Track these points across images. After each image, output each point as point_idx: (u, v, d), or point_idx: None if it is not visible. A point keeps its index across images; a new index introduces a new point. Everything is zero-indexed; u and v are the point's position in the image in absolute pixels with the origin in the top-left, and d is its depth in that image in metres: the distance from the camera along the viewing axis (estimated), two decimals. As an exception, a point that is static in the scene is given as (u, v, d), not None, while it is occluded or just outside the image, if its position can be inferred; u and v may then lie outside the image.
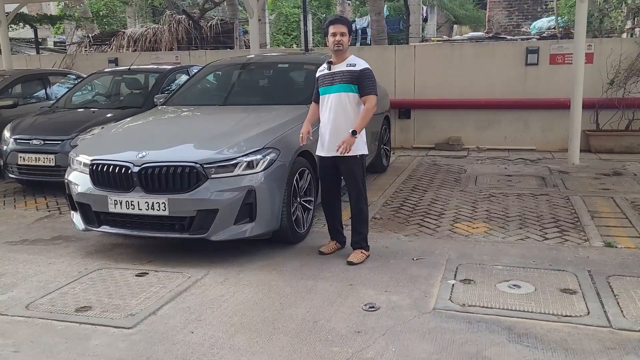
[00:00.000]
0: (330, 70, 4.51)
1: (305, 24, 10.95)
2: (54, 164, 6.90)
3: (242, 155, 4.58)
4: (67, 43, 17.48)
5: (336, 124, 4.39)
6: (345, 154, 4.34)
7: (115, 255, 4.91)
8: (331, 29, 4.44)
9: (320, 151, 4.58)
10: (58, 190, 7.18)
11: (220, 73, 6.98)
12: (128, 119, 6.01)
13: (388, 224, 5.59)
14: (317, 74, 4.66)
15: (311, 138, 4.66)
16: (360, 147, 4.47)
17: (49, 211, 6.49)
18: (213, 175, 4.48)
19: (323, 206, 4.82)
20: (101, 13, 20.96)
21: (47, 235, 5.55)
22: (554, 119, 9.61)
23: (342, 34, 4.41)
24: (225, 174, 4.51)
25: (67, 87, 9.69)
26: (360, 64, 4.45)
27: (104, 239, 5.31)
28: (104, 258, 4.85)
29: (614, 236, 5.04)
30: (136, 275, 4.40)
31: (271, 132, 4.97)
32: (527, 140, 9.85)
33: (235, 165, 4.53)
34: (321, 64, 6.17)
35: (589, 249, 4.74)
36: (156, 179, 4.50)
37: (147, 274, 4.43)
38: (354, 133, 4.31)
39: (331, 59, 4.55)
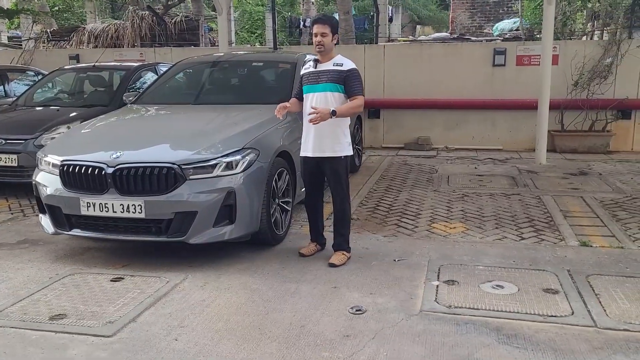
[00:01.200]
0: (316, 68, 4.44)
1: (274, 22, 10.85)
2: (16, 165, 6.63)
3: (221, 156, 4.46)
4: (23, 38, 16.88)
5: (320, 124, 4.30)
6: (327, 156, 4.31)
7: (87, 260, 4.73)
8: (314, 29, 4.38)
9: (304, 152, 4.50)
10: (21, 191, 6.93)
11: (192, 71, 6.82)
12: (98, 118, 5.79)
13: (366, 225, 5.56)
14: (302, 72, 4.58)
15: (288, 105, 4.53)
16: (345, 148, 4.42)
17: (12, 214, 6.22)
18: (191, 177, 4.36)
19: (306, 207, 4.75)
20: (57, 8, 20.30)
21: (12, 239, 5.31)
22: (520, 119, 9.79)
23: (322, 35, 4.33)
24: (203, 175, 4.39)
25: (26, 84, 9.35)
26: (348, 64, 4.39)
27: (74, 243, 5.11)
28: (76, 262, 4.66)
29: (588, 235, 5.12)
30: (111, 281, 4.24)
31: (249, 132, 4.87)
32: (494, 140, 9.99)
33: (214, 166, 4.41)
34: (295, 63, 6.14)
35: (566, 249, 4.81)
36: (132, 180, 4.35)
37: (123, 278, 4.28)
38: (333, 113, 4.23)
39: (317, 57, 4.48)
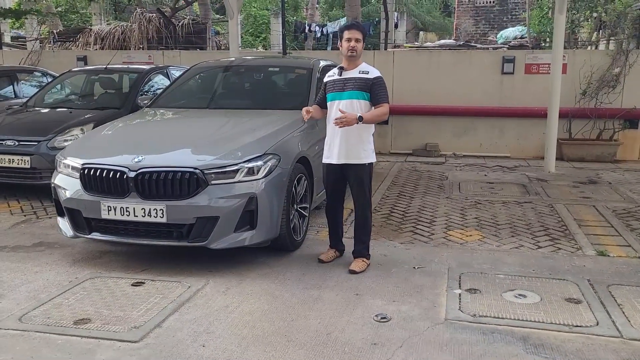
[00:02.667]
0: (341, 76, 4.44)
1: (283, 27, 10.89)
2: (29, 166, 6.60)
3: (243, 162, 4.46)
4: (28, 39, 16.87)
5: (346, 130, 4.30)
6: (352, 163, 4.33)
7: (105, 263, 4.72)
8: (346, 34, 4.38)
9: (328, 158, 4.50)
10: (32, 193, 6.92)
11: (208, 75, 6.79)
12: (116, 121, 5.78)
13: (382, 231, 5.56)
14: (326, 79, 4.59)
15: (311, 110, 4.61)
16: (370, 154, 4.44)
17: (25, 215, 6.20)
18: (213, 182, 4.36)
19: (327, 214, 4.75)
20: (60, 9, 20.25)
21: (28, 242, 5.29)
22: (528, 127, 9.82)
23: (357, 40, 4.35)
24: (225, 180, 4.38)
25: (34, 85, 9.35)
26: (373, 72, 4.40)
27: (90, 246, 5.10)
28: (94, 266, 4.65)
29: (605, 245, 5.14)
30: (132, 285, 4.23)
31: (270, 137, 4.87)
32: (502, 147, 10.02)
33: (236, 171, 4.41)
34: (311, 68, 6.14)
35: (584, 258, 4.82)
36: (154, 184, 4.34)
37: (144, 283, 4.27)
38: (360, 118, 4.23)
39: (342, 65, 4.49)
